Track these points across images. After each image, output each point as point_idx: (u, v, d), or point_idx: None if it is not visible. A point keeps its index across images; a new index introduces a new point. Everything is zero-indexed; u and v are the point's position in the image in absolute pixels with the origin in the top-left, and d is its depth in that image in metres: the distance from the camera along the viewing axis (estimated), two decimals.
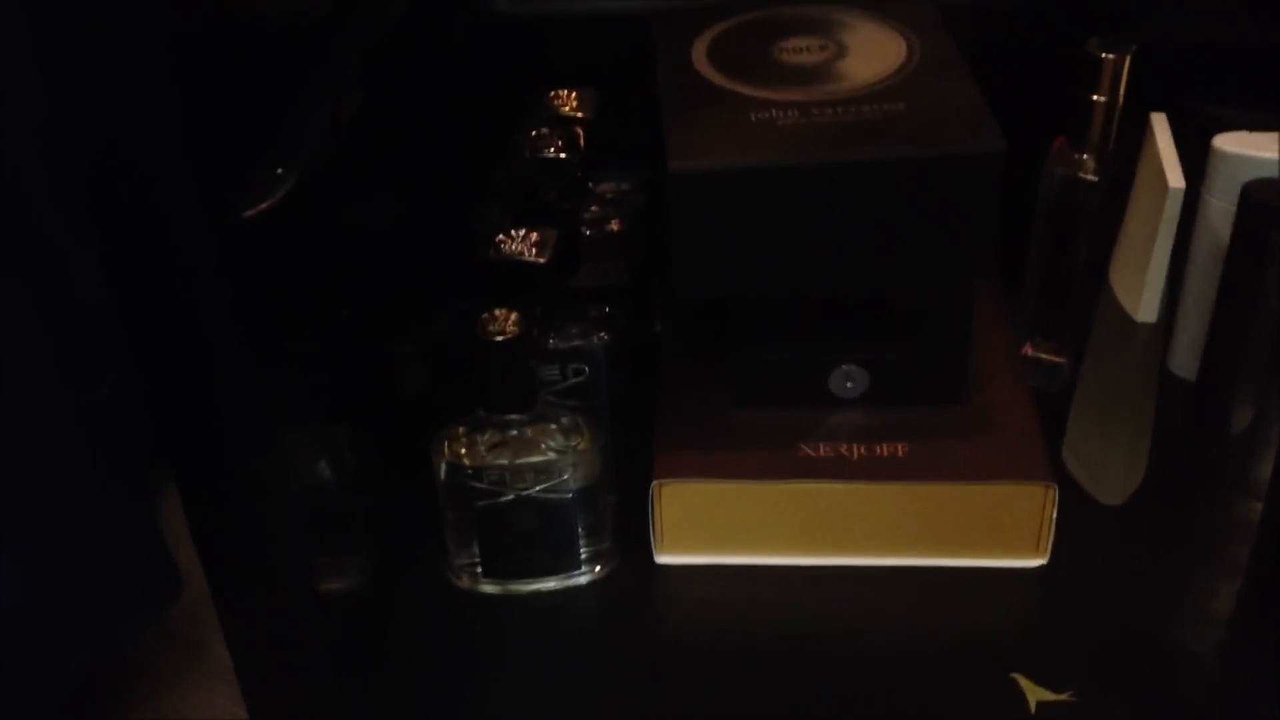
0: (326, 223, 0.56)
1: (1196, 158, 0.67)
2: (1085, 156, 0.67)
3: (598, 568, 0.63)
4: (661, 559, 0.63)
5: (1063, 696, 0.55)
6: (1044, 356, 0.72)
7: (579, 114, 0.71)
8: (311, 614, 0.53)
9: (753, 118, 0.60)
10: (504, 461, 0.58)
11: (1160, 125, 0.61)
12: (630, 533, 0.63)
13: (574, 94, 0.71)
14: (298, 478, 0.55)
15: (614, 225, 0.70)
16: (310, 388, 0.57)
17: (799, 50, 0.66)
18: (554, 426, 0.59)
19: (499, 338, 0.55)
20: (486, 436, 0.59)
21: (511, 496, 0.59)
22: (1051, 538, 0.61)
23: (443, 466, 0.59)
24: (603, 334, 0.63)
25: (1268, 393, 0.62)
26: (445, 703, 0.58)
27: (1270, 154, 0.65)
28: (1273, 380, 0.61)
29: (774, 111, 0.61)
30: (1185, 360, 0.71)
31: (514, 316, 0.55)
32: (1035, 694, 0.55)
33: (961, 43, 0.65)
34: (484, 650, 0.60)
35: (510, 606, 0.62)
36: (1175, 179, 0.57)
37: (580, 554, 0.62)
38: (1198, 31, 0.73)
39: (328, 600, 0.57)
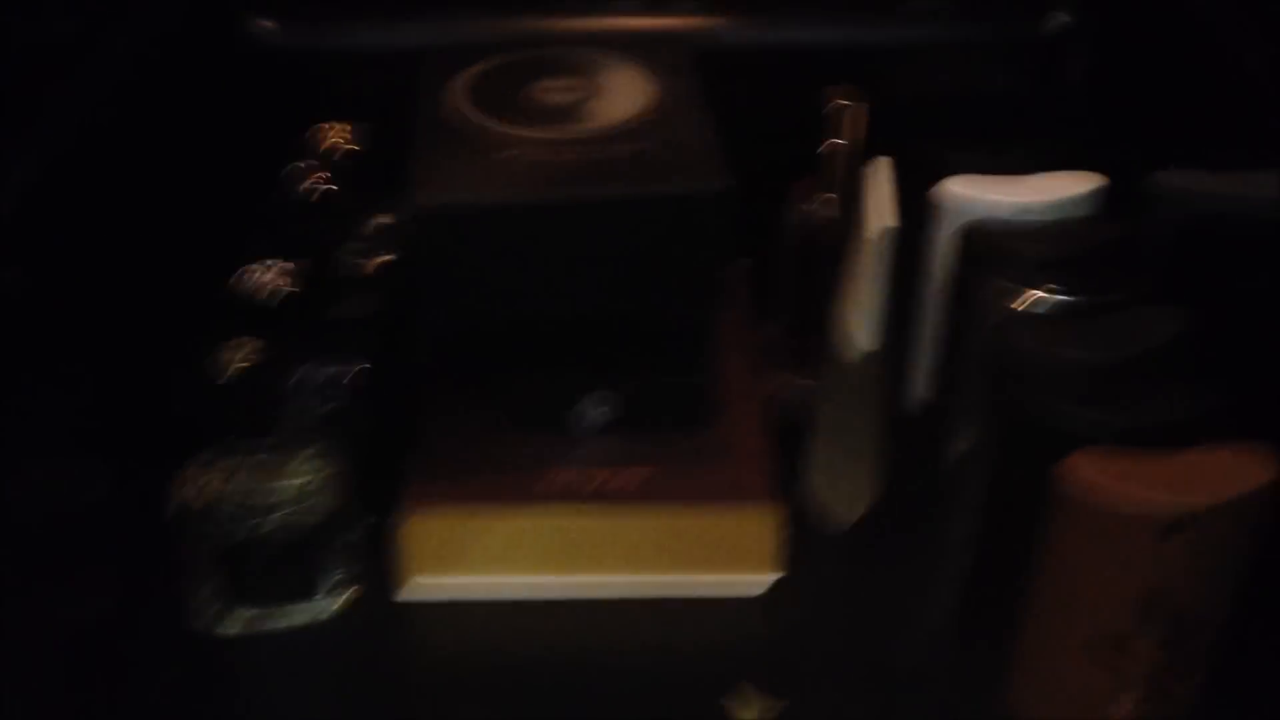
0: (62, 245, 0.56)
1: (925, 200, 0.72)
2: (826, 196, 0.71)
3: (345, 598, 0.64)
4: (409, 587, 0.65)
5: (771, 712, 0.59)
6: (792, 386, 0.76)
7: (347, 147, 0.72)
8: (40, 650, 0.53)
9: (502, 155, 0.63)
10: (247, 490, 0.59)
11: (880, 168, 0.65)
12: (383, 562, 0.65)
13: (342, 127, 0.73)
14: (35, 505, 0.55)
15: (378, 258, 0.71)
16: (58, 414, 0.57)
17: (554, 90, 0.68)
18: (299, 455, 0.60)
19: (236, 366, 0.56)
20: (231, 465, 0.60)
21: (255, 526, 0.60)
22: (780, 557, 0.65)
23: (184, 494, 0.60)
24: (355, 364, 0.65)
25: (983, 423, 0.67)
26: None
27: (991, 197, 0.70)
28: (986, 411, 0.66)
29: (523, 149, 0.63)
30: (920, 391, 0.76)
31: (252, 345, 0.56)
32: (752, 705, 0.59)
33: (716, 89, 0.69)
34: (228, 686, 0.61)
35: (255, 639, 0.62)
36: (885, 219, 0.61)
37: (326, 584, 0.63)
38: (935, 82, 0.78)
39: (61, 635, 0.57)
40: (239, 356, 0.57)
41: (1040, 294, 0.63)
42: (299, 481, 0.60)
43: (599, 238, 0.61)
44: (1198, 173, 0.67)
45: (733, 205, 0.61)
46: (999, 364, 0.60)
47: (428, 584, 0.65)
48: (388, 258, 0.71)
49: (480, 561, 0.64)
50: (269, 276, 0.60)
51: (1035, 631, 0.56)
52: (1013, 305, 0.63)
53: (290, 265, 0.62)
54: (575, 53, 0.72)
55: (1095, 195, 0.70)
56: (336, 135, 0.72)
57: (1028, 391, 0.57)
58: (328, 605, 0.63)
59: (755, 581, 0.65)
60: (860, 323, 0.64)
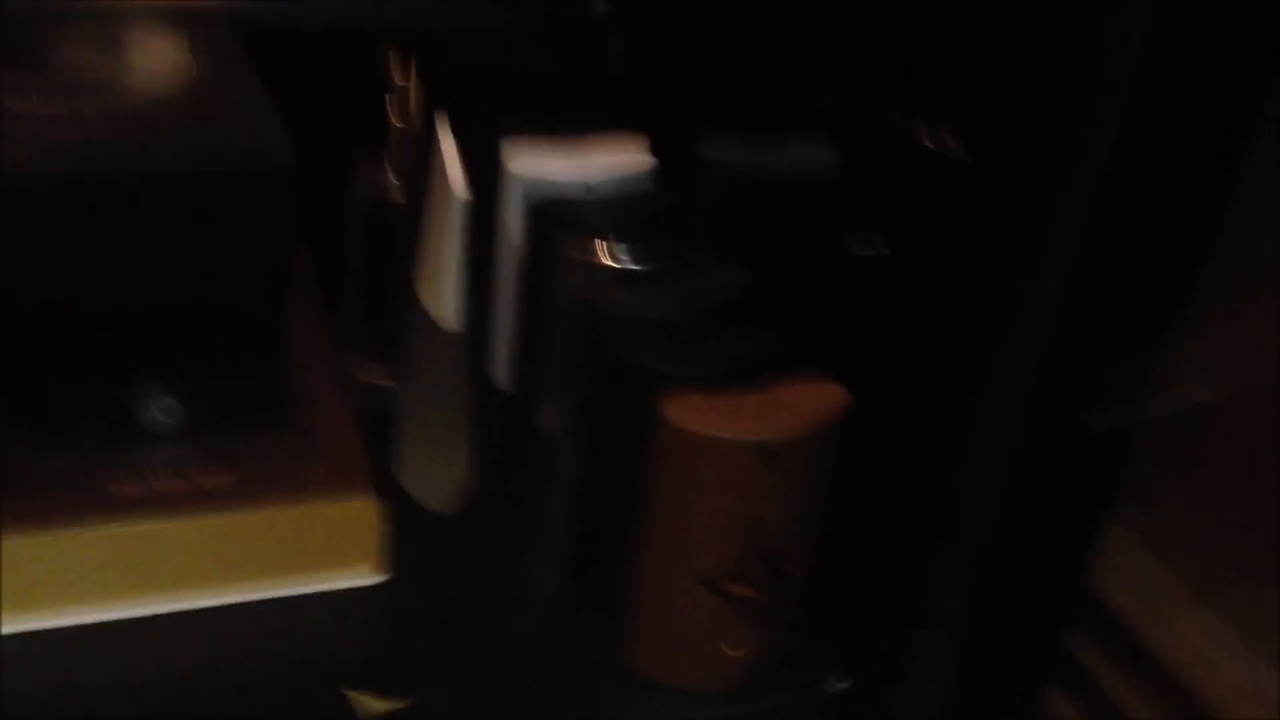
0: None
1: (491, 170, 0.71)
2: (386, 174, 0.69)
3: None
4: None
5: (398, 704, 0.56)
6: (370, 379, 0.73)
7: None
8: None
9: (24, 129, 0.55)
10: None
11: (445, 138, 0.64)
12: None
13: None
14: None
15: None
16: None
17: (76, 64, 0.61)
18: None
19: None
20: None
21: None
22: (384, 551, 0.62)
23: None
24: None
25: (565, 393, 0.67)
26: None
27: (555, 173, 0.71)
28: (568, 380, 0.67)
29: (46, 125, 0.56)
30: (504, 365, 0.75)
31: None
32: (369, 706, 0.55)
33: (263, 73, 0.65)
34: None
35: None
36: (458, 187, 0.60)
37: None
38: (487, 60, 0.78)
39: None
40: None
41: (612, 258, 0.65)
42: None
43: (145, 218, 0.55)
44: (737, 145, 0.72)
45: (298, 182, 0.57)
46: (585, 324, 0.61)
47: None
48: None
49: (37, 596, 0.56)
50: None
51: (648, 576, 0.57)
52: (588, 269, 0.64)
53: None
54: (98, 24, 0.65)
55: (647, 169, 0.73)
56: None
57: (615, 346, 0.58)
58: None
59: (363, 579, 0.62)
60: (440, 301, 0.63)
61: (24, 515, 0.56)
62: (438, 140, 0.64)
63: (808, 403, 0.55)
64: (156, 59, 0.62)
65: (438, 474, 0.67)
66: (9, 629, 0.56)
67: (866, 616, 0.59)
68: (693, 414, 0.54)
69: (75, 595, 0.57)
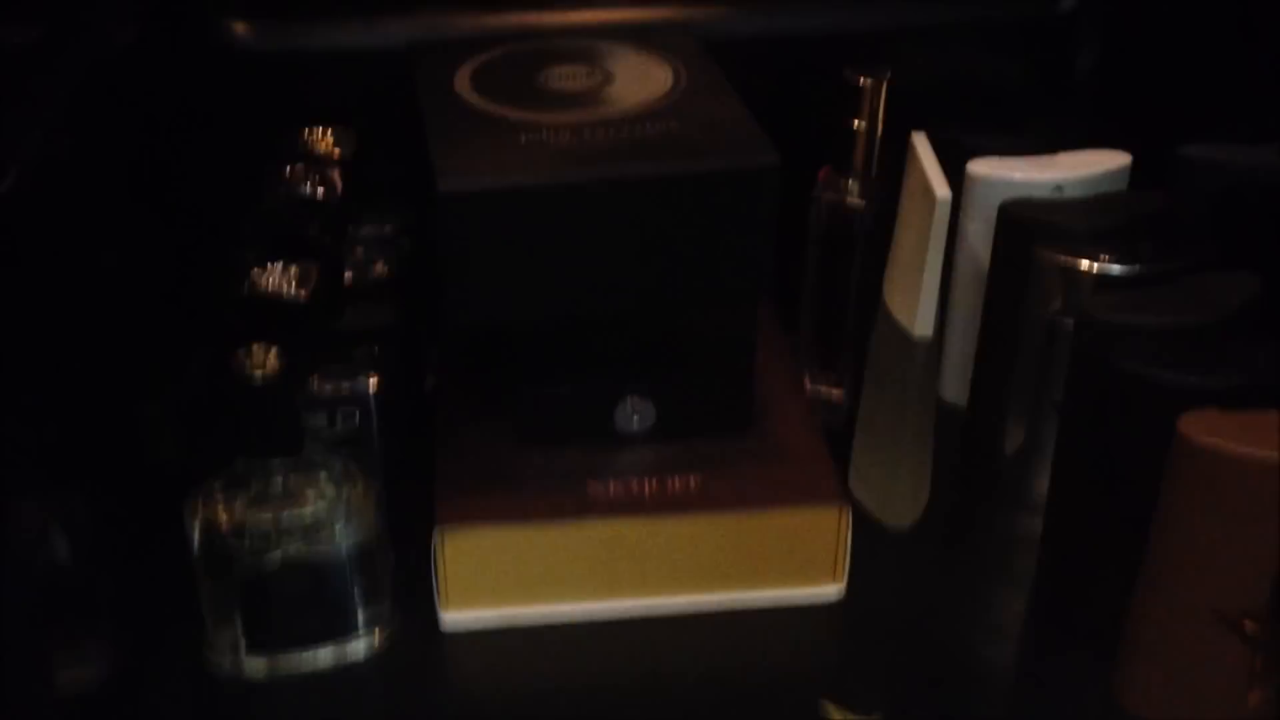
0: (41, 262, 0.50)
1: (952, 184, 0.69)
2: (850, 182, 0.67)
3: (378, 634, 0.57)
4: (448, 615, 0.58)
5: (872, 718, 0.54)
6: (823, 389, 0.71)
7: (335, 152, 0.67)
8: (45, 709, 0.46)
9: (523, 139, 0.58)
10: (268, 516, 0.53)
11: (922, 142, 0.62)
12: (411, 594, 0.58)
13: (329, 131, 0.68)
14: (23, 551, 0.48)
15: (379, 268, 0.66)
16: (38, 448, 0.50)
17: (565, 77, 0.64)
18: (324, 474, 0.54)
19: (259, 373, 0.49)
20: (248, 491, 0.53)
21: (278, 556, 0.53)
22: (847, 562, 0.60)
23: (197, 528, 0.53)
24: (373, 376, 0.58)
25: (1036, 409, 0.64)
26: None
27: (1021, 175, 0.67)
28: (1041, 395, 0.63)
29: (545, 133, 0.58)
30: (954, 385, 0.72)
31: (274, 350, 0.50)
32: (844, 718, 0.54)
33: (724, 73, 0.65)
34: None
35: (281, 686, 0.56)
36: (941, 189, 0.58)
37: (358, 620, 0.56)
38: (946, 66, 0.75)
39: (66, 692, 0.49)
40: (255, 363, 0.50)
41: (1104, 264, 0.60)
42: (319, 507, 0.54)
43: (640, 221, 0.56)
44: (1227, 142, 0.65)
45: (779, 184, 0.57)
46: (1077, 333, 0.57)
47: (471, 612, 0.58)
48: (388, 269, 0.66)
49: (526, 583, 0.58)
50: (281, 280, 0.54)
51: (1152, 608, 0.52)
52: (1067, 275, 0.60)
53: (297, 269, 0.56)
54: (577, 42, 0.68)
55: (1123, 171, 0.68)
56: (326, 138, 0.66)
57: (1121, 357, 0.53)
58: (358, 647, 0.56)
59: (824, 590, 0.60)
60: (914, 307, 0.60)
61: (505, 510, 0.58)
62: (910, 145, 0.62)
63: None
64: (638, 72, 0.64)
65: (896, 487, 0.64)
66: (481, 620, 0.59)
67: None
68: (1218, 431, 0.48)
69: (548, 590, 0.59)
